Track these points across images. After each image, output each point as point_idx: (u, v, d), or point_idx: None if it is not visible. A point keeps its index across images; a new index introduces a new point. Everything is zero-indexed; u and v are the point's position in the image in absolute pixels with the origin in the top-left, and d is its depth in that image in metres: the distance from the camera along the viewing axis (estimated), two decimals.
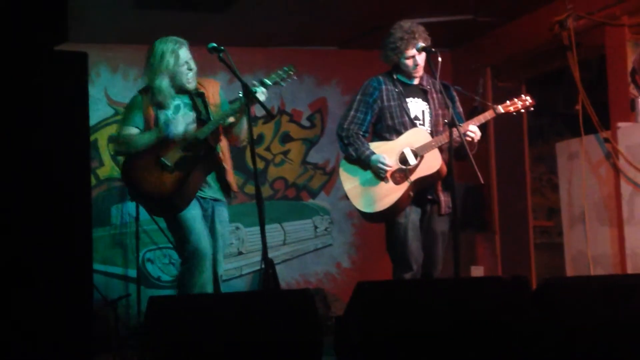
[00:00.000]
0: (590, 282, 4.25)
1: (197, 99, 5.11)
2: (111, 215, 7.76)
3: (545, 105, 8.04)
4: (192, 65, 5.03)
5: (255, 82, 4.99)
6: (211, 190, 5.08)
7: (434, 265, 5.14)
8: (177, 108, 5.07)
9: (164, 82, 5.00)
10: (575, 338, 3.66)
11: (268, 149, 8.25)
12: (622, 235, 6.29)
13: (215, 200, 5.11)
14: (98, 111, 7.76)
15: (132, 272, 7.53)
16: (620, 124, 6.34)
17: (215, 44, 4.79)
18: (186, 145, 4.97)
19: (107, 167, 7.81)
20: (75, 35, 2.95)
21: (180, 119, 4.99)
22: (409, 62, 5.07)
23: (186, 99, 5.10)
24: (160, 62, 5.00)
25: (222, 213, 5.14)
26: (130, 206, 7.49)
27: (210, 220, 5.08)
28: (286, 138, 8.33)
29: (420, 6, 6.89)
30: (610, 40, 6.54)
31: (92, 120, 7.64)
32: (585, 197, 6.63)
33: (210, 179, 5.09)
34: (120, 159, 5.77)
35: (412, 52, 5.04)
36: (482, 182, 4.85)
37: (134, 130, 5.03)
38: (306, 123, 8.43)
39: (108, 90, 7.84)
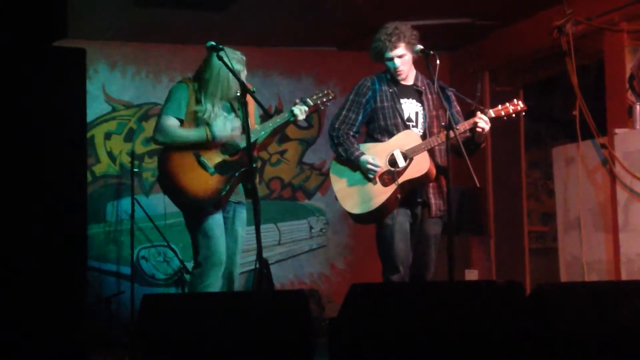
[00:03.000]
0: (584, 288, 4.24)
1: (236, 104, 5.08)
2: (106, 212, 7.76)
3: (542, 110, 8.05)
4: (243, 77, 4.99)
5: (297, 101, 5.06)
6: (236, 193, 5.09)
7: (426, 268, 5.13)
8: (217, 108, 5.06)
9: (209, 101, 4.98)
10: (568, 344, 3.66)
11: (264, 148, 8.24)
12: (617, 242, 6.29)
13: (238, 202, 5.12)
14: (95, 108, 7.76)
15: (126, 270, 7.52)
16: (617, 130, 6.35)
17: (213, 43, 4.78)
18: (227, 150, 4.99)
19: (104, 164, 7.81)
20: (74, 32, 2.95)
21: (228, 124, 4.98)
22: (389, 65, 5.07)
23: (226, 103, 5.09)
24: (218, 83, 4.97)
25: (242, 215, 5.16)
26: (126, 203, 7.49)
27: (231, 222, 5.10)
28: (283, 138, 8.33)
29: (419, 9, 6.90)
30: (609, 46, 6.54)
31: (89, 117, 7.64)
32: (580, 202, 6.63)
33: None
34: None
35: (390, 54, 5.04)
36: (478, 185, 4.84)
37: (175, 122, 4.98)
38: (303, 123, 8.41)
39: (106, 87, 7.83)
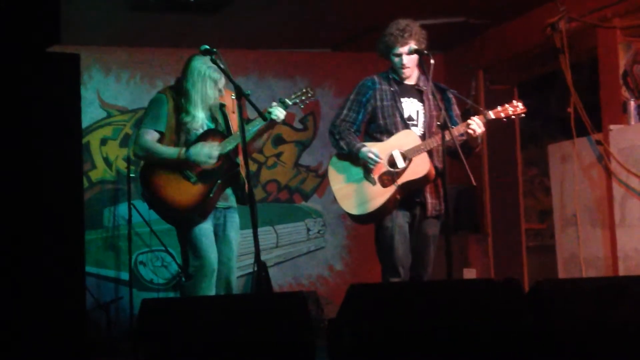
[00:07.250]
0: (582, 284, 4.25)
1: (216, 109, 5.08)
2: (103, 218, 7.75)
3: (537, 107, 8.05)
4: (222, 85, 5.00)
5: (275, 103, 5.00)
6: (225, 199, 5.06)
7: (424, 267, 5.13)
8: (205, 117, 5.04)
9: (198, 110, 4.97)
10: (567, 340, 3.66)
11: (260, 151, 8.23)
12: (614, 238, 6.30)
13: (228, 208, 5.09)
14: (90, 113, 7.76)
15: (125, 275, 7.51)
16: (612, 127, 6.35)
17: (207, 46, 4.78)
18: None
19: (100, 170, 7.81)
20: (67, 37, 2.95)
21: (205, 150, 4.90)
22: (397, 60, 5.07)
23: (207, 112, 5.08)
24: (199, 88, 4.95)
25: (234, 220, 5.11)
26: (123, 209, 7.49)
27: (222, 228, 5.06)
28: (279, 140, 8.33)
29: (413, 8, 6.89)
30: (602, 42, 6.55)
31: (84, 123, 7.63)
32: (577, 199, 6.64)
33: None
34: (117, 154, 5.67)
35: (399, 50, 5.04)
36: (474, 183, 4.84)
37: (155, 135, 4.96)
38: (299, 125, 8.43)
39: (100, 92, 7.83)
